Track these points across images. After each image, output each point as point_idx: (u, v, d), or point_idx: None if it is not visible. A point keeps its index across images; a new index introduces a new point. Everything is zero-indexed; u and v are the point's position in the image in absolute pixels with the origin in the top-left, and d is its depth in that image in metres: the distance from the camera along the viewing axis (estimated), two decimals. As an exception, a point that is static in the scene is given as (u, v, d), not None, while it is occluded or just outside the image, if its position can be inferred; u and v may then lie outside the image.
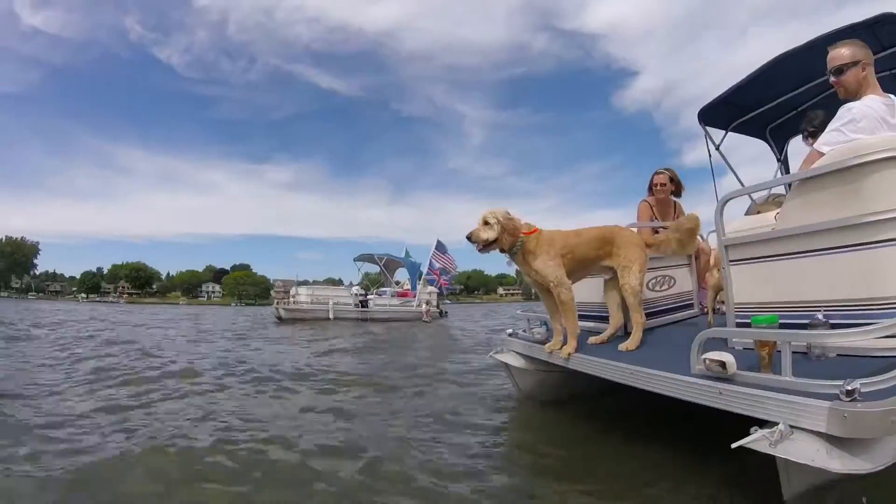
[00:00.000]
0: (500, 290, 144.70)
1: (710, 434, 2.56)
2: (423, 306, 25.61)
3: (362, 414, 4.45)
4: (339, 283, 61.62)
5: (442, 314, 27.32)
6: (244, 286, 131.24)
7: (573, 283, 3.84)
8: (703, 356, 2.59)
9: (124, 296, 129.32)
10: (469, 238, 3.56)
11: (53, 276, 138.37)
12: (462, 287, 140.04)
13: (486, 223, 3.53)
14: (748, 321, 2.75)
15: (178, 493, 2.74)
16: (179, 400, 4.90)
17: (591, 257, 3.85)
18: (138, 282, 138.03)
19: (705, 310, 4.65)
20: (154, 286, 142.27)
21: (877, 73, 5.18)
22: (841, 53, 3.01)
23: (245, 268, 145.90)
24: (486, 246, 3.57)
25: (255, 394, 5.29)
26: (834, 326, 2.61)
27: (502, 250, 3.65)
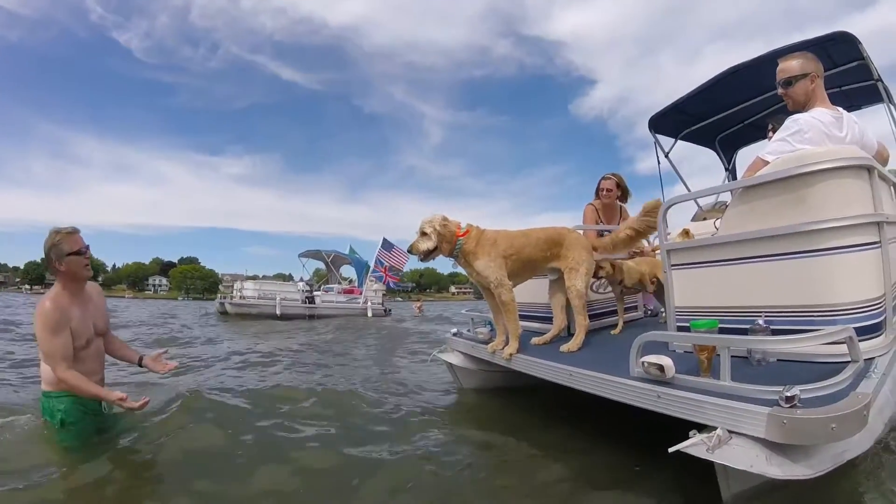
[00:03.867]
0: (453, 289, 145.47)
1: (656, 431, 2.48)
2: (369, 303, 25.86)
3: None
4: (289, 278, 60.73)
5: (386, 312, 27.37)
6: (192, 280, 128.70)
7: (519, 283, 3.82)
8: (642, 359, 2.56)
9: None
10: (410, 251, 3.60)
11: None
12: (414, 285, 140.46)
13: (423, 233, 3.53)
14: (689, 325, 2.72)
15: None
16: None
17: (538, 258, 3.79)
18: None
19: (648, 312, 4.64)
20: (100, 278, 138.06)
21: (828, 89, 5.28)
22: (790, 66, 3.03)
23: (193, 261, 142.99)
24: (426, 255, 3.59)
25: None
26: (775, 332, 2.59)
27: (445, 255, 3.62)
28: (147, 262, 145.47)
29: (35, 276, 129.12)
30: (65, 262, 2.98)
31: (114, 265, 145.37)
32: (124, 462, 2.90)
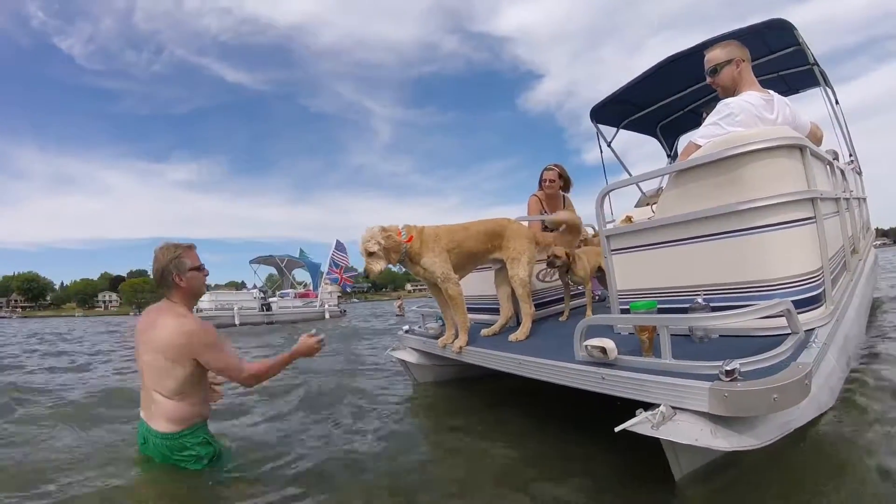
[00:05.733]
0: (409, 287, 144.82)
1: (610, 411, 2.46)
2: (325, 306, 25.89)
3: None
4: (241, 286, 59.81)
5: (342, 313, 27.46)
6: (143, 293, 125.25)
7: (463, 276, 3.79)
8: (585, 343, 2.55)
9: (17, 310, 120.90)
10: (367, 276, 3.44)
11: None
12: (370, 285, 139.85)
13: (370, 253, 3.37)
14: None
15: None
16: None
17: (480, 251, 3.78)
18: (31, 293, 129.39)
19: (596, 298, 4.65)
20: (48, 297, 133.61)
21: (766, 74, 5.48)
22: (715, 54, 3.10)
23: (142, 274, 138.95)
24: (380, 272, 3.49)
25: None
26: (715, 309, 2.61)
27: (393, 265, 3.54)
28: (95, 278, 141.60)
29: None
30: (186, 277, 2.81)
31: (62, 283, 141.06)
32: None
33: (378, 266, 3.38)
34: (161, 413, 2.69)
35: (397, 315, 23.03)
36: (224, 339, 2.82)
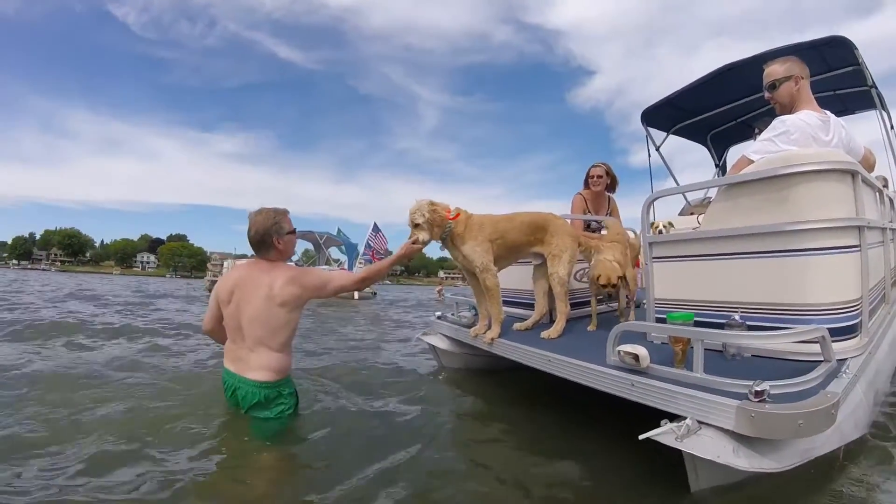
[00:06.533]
0: (442, 273, 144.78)
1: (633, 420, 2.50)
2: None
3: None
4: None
5: (373, 294, 27.69)
6: (180, 257, 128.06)
7: (503, 267, 3.82)
8: (618, 348, 2.60)
9: (56, 263, 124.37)
10: (413, 243, 3.50)
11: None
12: (403, 268, 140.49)
13: (416, 225, 3.44)
14: (666, 317, 2.75)
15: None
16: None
17: (522, 243, 3.79)
18: (71, 249, 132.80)
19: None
20: (87, 254, 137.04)
21: (821, 92, 5.37)
22: (774, 70, 3.07)
23: (181, 238, 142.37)
24: (421, 247, 3.54)
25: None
26: (751, 328, 2.63)
27: (434, 240, 3.59)
28: (136, 239, 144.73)
29: (22, 251, 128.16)
30: (284, 240, 3.07)
31: (102, 241, 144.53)
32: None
33: (423, 236, 3.43)
34: (263, 364, 2.94)
35: (437, 301, 23.10)
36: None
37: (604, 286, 3.68)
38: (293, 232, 3.14)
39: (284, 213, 3.13)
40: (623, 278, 3.73)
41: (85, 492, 2.21)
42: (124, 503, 2.15)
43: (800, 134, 2.81)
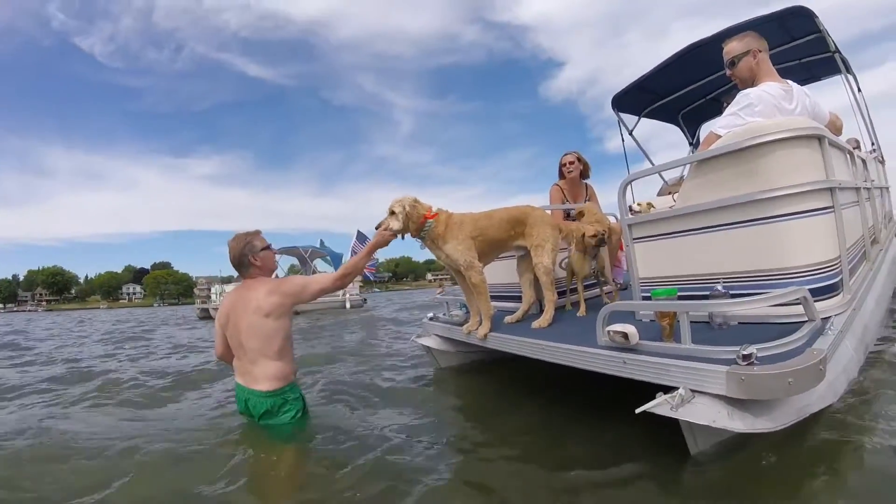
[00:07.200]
0: (429, 276, 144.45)
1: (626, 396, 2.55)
2: (347, 295, 25.85)
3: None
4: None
5: (364, 302, 27.82)
6: (166, 285, 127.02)
7: (487, 263, 3.85)
8: (608, 328, 2.64)
9: (42, 303, 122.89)
10: (377, 228, 3.58)
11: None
12: (391, 274, 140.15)
13: (392, 213, 3.51)
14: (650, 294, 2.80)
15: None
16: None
17: (503, 238, 3.83)
18: (56, 287, 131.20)
19: (619, 287, 4.69)
20: (73, 291, 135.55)
21: (787, 62, 5.47)
22: (733, 47, 3.15)
23: (165, 266, 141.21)
24: (392, 234, 3.56)
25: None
26: (734, 297, 2.67)
27: (412, 236, 3.63)
28: (119, 271, 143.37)
29: (7, 294, 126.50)
30: (260, 256, 3.24)
31: (86, 276, 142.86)
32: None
33: (393, 224, 3.47)
34: (265, 374, 3.10)
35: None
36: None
37: (593, 236, 3.85)
38: (268, 248, 3.31)
39: (256, 233, 3.32)
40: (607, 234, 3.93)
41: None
42: None
43: (764, 105, 2.87)
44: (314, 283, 3.27)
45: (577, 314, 4.00)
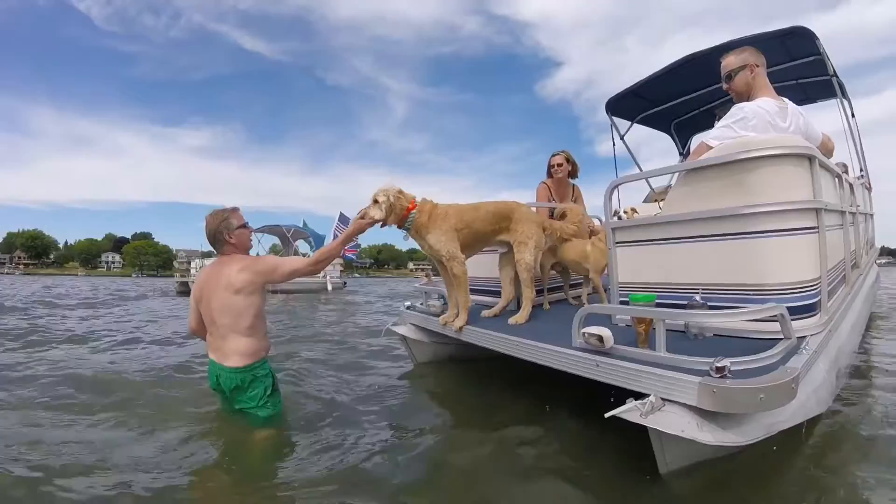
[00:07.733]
0: (411, 265, 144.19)
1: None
2: (328, 277, 25.94)
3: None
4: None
5: (343, 285, 28.27)
6: (145, 256, 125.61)
7: (470, 255, 3.83)
8: (583, 330, 2.62)
9: (20, 266, 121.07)
10: (361, 217, 3.50)
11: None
12: (373, 261, 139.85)
13: (375, 202, 3.45)
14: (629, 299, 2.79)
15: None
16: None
17: (488, 231, 3.80)
18: (35, 251, 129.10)
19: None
20: (52, 256, 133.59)
21: (784, 81, 5.47)
22: (730, 61, 3.14)
23: (146, 237, 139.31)
24: (370, 223, 3.51)
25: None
26: (712, 309, 2.68)
27: (398, 227, 3.58)
28: (100, 239, 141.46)
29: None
30: (235, 234, 3.21)
31: (66, 242, 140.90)
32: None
33: (375, 213, 3.42)
34: (235, 350, 3.11)
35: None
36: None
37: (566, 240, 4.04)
38: (244, 226, 3.28)
39: (234, 210, 3.30)
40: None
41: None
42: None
43: (758, 120, 2.86)
44: (287, 265, 3.25)
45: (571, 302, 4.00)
